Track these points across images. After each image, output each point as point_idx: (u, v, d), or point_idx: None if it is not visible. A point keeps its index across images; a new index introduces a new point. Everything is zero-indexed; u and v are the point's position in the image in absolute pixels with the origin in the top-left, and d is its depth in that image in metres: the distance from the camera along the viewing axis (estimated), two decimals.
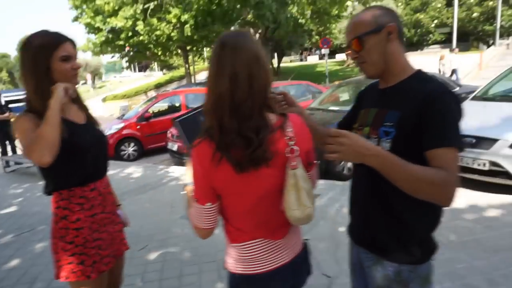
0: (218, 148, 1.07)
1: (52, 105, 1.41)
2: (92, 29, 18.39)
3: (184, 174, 1.33)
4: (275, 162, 1.11)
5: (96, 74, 60.78)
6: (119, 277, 1.90)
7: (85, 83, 49.15)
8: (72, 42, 1.56)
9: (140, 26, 15.94)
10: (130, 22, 15.98)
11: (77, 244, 1.56)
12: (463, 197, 3.96)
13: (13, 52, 76.18)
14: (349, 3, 20.89)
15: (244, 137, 1.06)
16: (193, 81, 25.93)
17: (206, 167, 1.09)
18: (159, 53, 21.42)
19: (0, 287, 3.06)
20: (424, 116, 1.11)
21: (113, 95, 30.27)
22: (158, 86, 32.09)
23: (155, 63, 53.16)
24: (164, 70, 50.38)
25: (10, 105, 14.97)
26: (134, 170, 6.91)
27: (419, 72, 1.25)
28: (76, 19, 18.75)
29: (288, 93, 1.47)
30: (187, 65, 23.90)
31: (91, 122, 1.71)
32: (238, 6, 3.21)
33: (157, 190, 5.43)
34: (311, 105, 6.71)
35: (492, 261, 2.71)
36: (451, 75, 14.13)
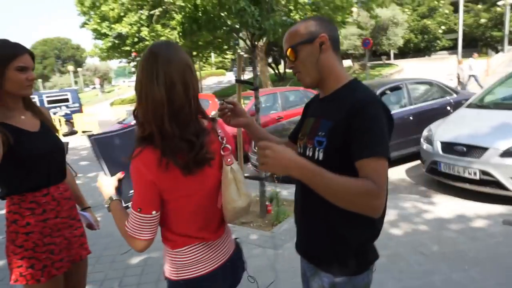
0: (164, 154, 1.10)
1: None
2: (99, 34, 18.71)
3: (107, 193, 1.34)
4: (214, 162, 1.21)
5: (105, 78, 61.61)
6: (81, 282, 1.91)
7: (94, 87, 49.80)
8: (30, 54, 1.60)
9: (144, 32, 16.16)
10: (135, 28, 16.20)
11: (26, 248, 1.58)
12: (450, 207, 3.91)
13: None
14: (354, 9, 20.89)
15: (187, 141, 1.12)
16: (200, 85, 26.16)
17: (154, 173, 1.11)
18: None
19: None
20: (352, 125, 1.10)
21: (120, 100, 30.62)
22: None
23: None
24: None
25: None
26: None
27: (352, 81, 1.24)
28: (83, 25, 19.08)
29: (239, 104, 1.48)
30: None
31: (46, 129, 1.71)
32: (223, 13, 3.26)
33: None
34: None
35: (470, 274, 2.66)
36: (468, 80, 14.08)
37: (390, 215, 3.82)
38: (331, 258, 1.23)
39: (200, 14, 3.60)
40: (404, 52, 36.95)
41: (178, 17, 14.35)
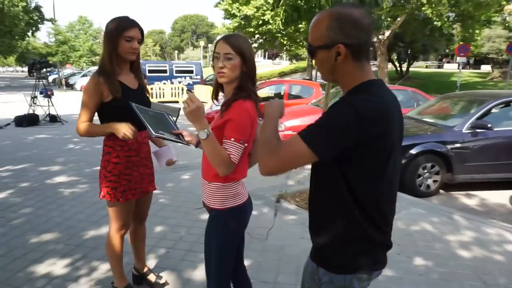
0: (256, 104, 1.60)
1: (108, 128, 2.02)
2: (228, 15, 20.15)
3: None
4: None
5: None
6: (145, 212, 2.44)
7: None
8: (140, 29, 2.04)
9: (267, 16, 16.83)
10: (260, 11, 17.00)
11: (113, 174, 2.10)
12: None
13: (168, 29, 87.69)
14: (508, 7, 17.96)
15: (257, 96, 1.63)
16: (314, 73, 26.16)
17: (253, 117, 1.56)
18: (285, 42, 22.24)
19: (90, 212, 3.96)
20: None
21: None
22: (281, 74, 33.29)
23: (284, 52, 54.95)
24: (293, 60, 51.68)
25: (150, 74, 17.66)
26: None
27: (362, 83, 1.18)
28: (217, 4, 20.77)
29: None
30: (310, 57, 24.19)
31: (142, 89, 2.21)
32: (323, 2, 3.24)
33: None
34: (408, 114, 6.31)
35: None
36: None
37: (465, 235, 3.51)
38: (316, 247, 1.30)
39: (302, 3, 3.74)
40: None
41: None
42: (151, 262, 2.87)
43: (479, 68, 36.12)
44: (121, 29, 1.97)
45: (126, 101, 1.96)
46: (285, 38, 21.53)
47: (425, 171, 4.97)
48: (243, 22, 19.89)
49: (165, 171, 5.38)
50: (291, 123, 6.82)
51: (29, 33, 27.64)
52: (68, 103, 15.07)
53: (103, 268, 2.78)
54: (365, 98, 1.11)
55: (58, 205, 4.02)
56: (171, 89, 17.76)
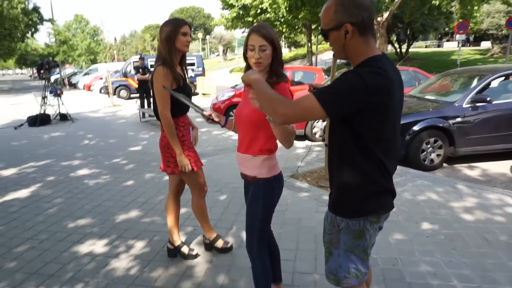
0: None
1: (177, 150, 2.49)
2: (226, 5, 20.17)
3: None
4: None
5: (228, 47, 65.59)
6: (183, 185, 2.90)
7: (218, 54, 53.60)
8: (189, 25, 2.49)
9: (266, 4, 16.88)
10: (258, 0, 17.05)
11: (185, 149, 2.54)
12: None
13: None
14: None
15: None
16: (314, 60, 26.20)
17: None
18: (284, 30, 22.26)
19: (117, 199, 4.25)
20: None
21: (239, 68, 32.66)
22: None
23: (282, 40, 54.77)
24: (292, 48, 51.54)
25: (152, 69, 17.61)
26: (235, 134, 7.87)
27: (369, 58, 1.38)
28: None
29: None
30: (309, 44, 24.25)
31: (186, 79, 2.58)
32: None
33: None
34: (409, 93, 6.52)
35: None
36: None
37: (468, 201, 3.77)
38: (334, 199, 1.57)
39: None
40: None
41: None
42: (182, 240, 3.15)
43: (479, 45, 35.90)
44: (178, 26, 2.41)
45: (184, 89, 2.41)
46: (284, 26, 21.54)
47: (429, 146, 5.21)
48: (241, 12, 19.92)
49: None
50: None
51: (29, 35, 27.72)
52: (74, 102, 15.35)
53: (139, 246, 3.07)
54: (371, 70, 1.33)
55: (86, 195, 4.30)
56: None
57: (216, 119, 1.98)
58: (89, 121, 10.52)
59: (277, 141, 1.88)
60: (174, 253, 2.86)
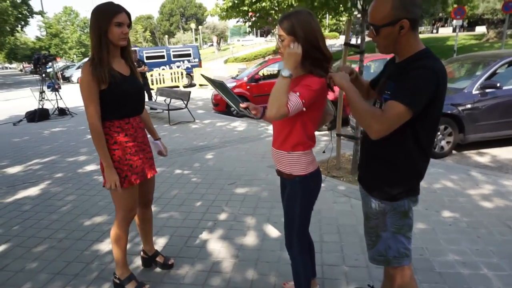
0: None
1: (105, 162, 2.03)
2: None
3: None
4: None
5: (222, 37, 64.96)
6: (149, 196, 2.47)
7: (212, 45, 53.05)
8: (127, 13, 2.03)
9: None
10: None
11: (114, 160, 2.08)
12: None
13: (156, 14, 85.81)
14: None
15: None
16: None
17: (319, 90, 1.63)
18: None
19: None
20: (403, 81, 1.39)
21: (234, 58, 32.45)
22: (276, 51, 33.02)
23: (277, 29, 54.09)
24: None
25: (148, 61, 17.55)
26: (239, 125, 7.83)
27: (422, 51, 1.45)
28: None
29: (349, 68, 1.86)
30: None
31: (134, 75, 2.18)
32: None
33: (254, 143, 6.19)
34: None
35: None
36: None
37: (485, 189, 3.77)
38: (377, 185, 1.60)
39: None
40: None
41: None
42: (204, 235, 3.12)
43: (473, 30, 35.86)
44: (110, 15, 1.95)
45: (121, 88, 2.03)
46: (279, 14, 21.27)
47: (438, 133, 5.20)
48: (236, 1, 19.60)
49: (187, 153, 5.61)
50: None
51: (19, 28, 27.16)
52: (70, 96, 15.11)
53: (161, 242, 3.03)
54: (434, 62, 1.40)
55: (98, 191, 4.24)
56: (171, 74, 17.76)
57: (253, 112, 1.89)
58: None
59: (315, 134, 1.83)
60: (149, 262, 2.66)
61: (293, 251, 1.90)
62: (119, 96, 2.04)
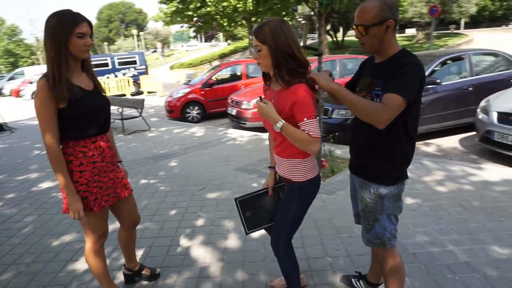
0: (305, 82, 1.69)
1: (67, 188, 1.84)
2: None
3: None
4: None
5: (165, 43, 63.61)
6: (133, 214, 2.31)
7: (155, 51, 51.74)
8: (88, 23, 1.85)
9: None
10: None
11: (81, 183, 1.90)
12: (498, 172, 4.14)
13: (93, 20, 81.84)
14: None
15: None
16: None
17: (310, 95, 1.66)
18: (225, 23, 22.15)
19: None
20: (394, 77, 1.56)
21: (180, 63, 31.92)
22: (222, 56, 33.07)
23: (221, 34, 54.33)
24: (228, 41, 51.39)
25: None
26: (198, 130, 7.78)
27: (401, 51, 1.65)
28: None
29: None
30: (251, 37, 24.42)
31: (97, 89, 2.01)
32: None
33: (216, 147, 6.20)
34: None
35: (505, 224, 3.00)
36: None
37: (437, 175, 4.15)
38: (377, 172, 1.74)
39: None
40: (477, 21, 33.89)
41: None
42: (185, 242, 3.09)
43: (404, 32, 38.89)
44: (71, 25, 1.76)
45: (83, 105, 1.86)
46: (224, 19, 21.43)
47: None
48: (180, 6, 19.43)
49: (149, 162, 5.47)
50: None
51: None
52: (5, 110, 13.93)
53: (141, 255, 2.95)
54: (417, 59, 1.59)
55: (60, 209, 3.99)
56: (117, 82, 17.07)
57: (270, 192, 2.04)
58: (30, 129, 9.64)
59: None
60: (132, 278, 2.57)
61: (280, 252, 1.95)
62: (82, 113, 1.86)
